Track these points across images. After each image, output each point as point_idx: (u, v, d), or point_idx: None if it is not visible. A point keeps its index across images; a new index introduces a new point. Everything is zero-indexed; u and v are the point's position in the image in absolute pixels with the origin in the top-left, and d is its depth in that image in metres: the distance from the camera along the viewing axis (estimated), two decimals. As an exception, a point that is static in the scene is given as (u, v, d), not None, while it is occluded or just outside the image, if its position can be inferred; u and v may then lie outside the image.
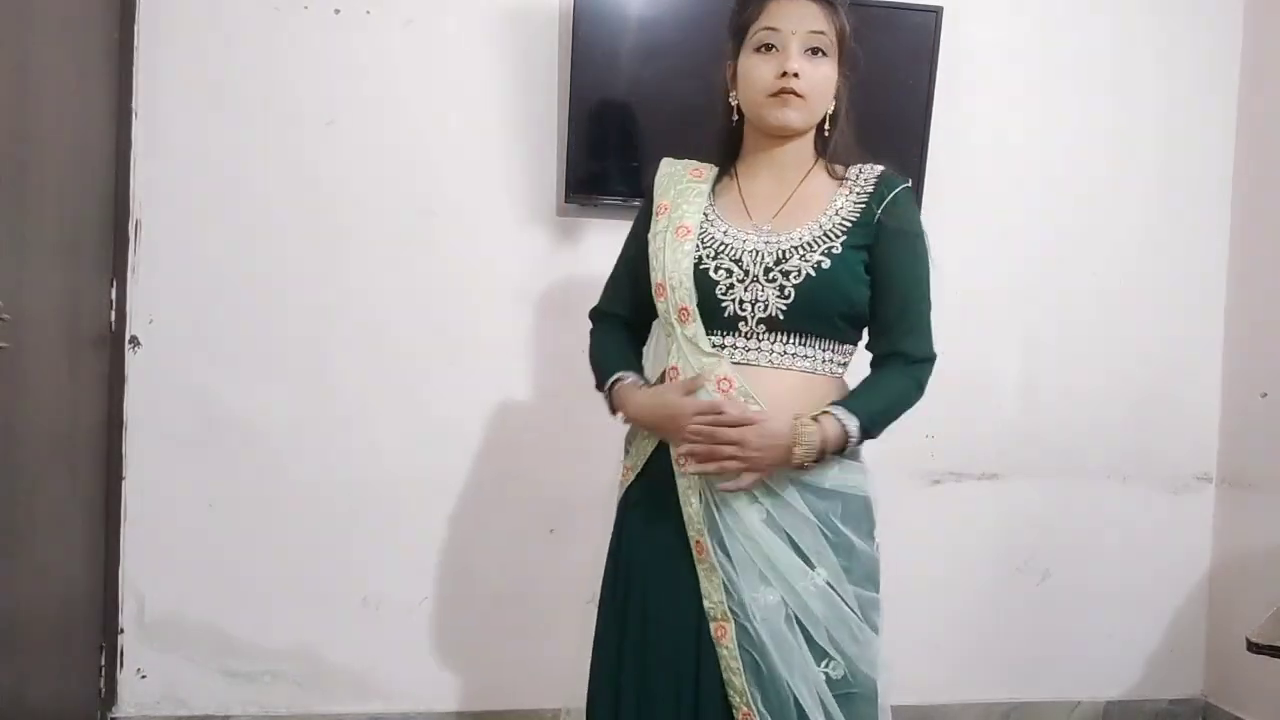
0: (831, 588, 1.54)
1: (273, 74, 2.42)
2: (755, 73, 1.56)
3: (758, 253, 1.57)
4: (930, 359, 1.64)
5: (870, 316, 1.61)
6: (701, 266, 1.58)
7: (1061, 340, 2.77)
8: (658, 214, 1.65)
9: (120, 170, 2.36)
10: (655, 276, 1.61)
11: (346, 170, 2.45)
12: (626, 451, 1.71)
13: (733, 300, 1.56)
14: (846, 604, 1.55)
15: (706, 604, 1.55)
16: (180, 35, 2.38)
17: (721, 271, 1.57)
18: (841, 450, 1.54)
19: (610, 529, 1.72)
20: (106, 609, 2.41)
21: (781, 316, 1.55)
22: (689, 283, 1.57)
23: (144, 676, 2.45)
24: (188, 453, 2.43)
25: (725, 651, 1.54)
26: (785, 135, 1.61)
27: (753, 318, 1.56)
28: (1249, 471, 2.76)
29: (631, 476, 1.67)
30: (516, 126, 2.50)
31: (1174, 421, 2.82)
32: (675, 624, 1.58)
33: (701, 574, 1.56)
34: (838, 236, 1.58)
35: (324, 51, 2.43)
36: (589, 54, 2.39)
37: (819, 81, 1.56)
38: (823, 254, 1.55)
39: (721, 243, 1.60)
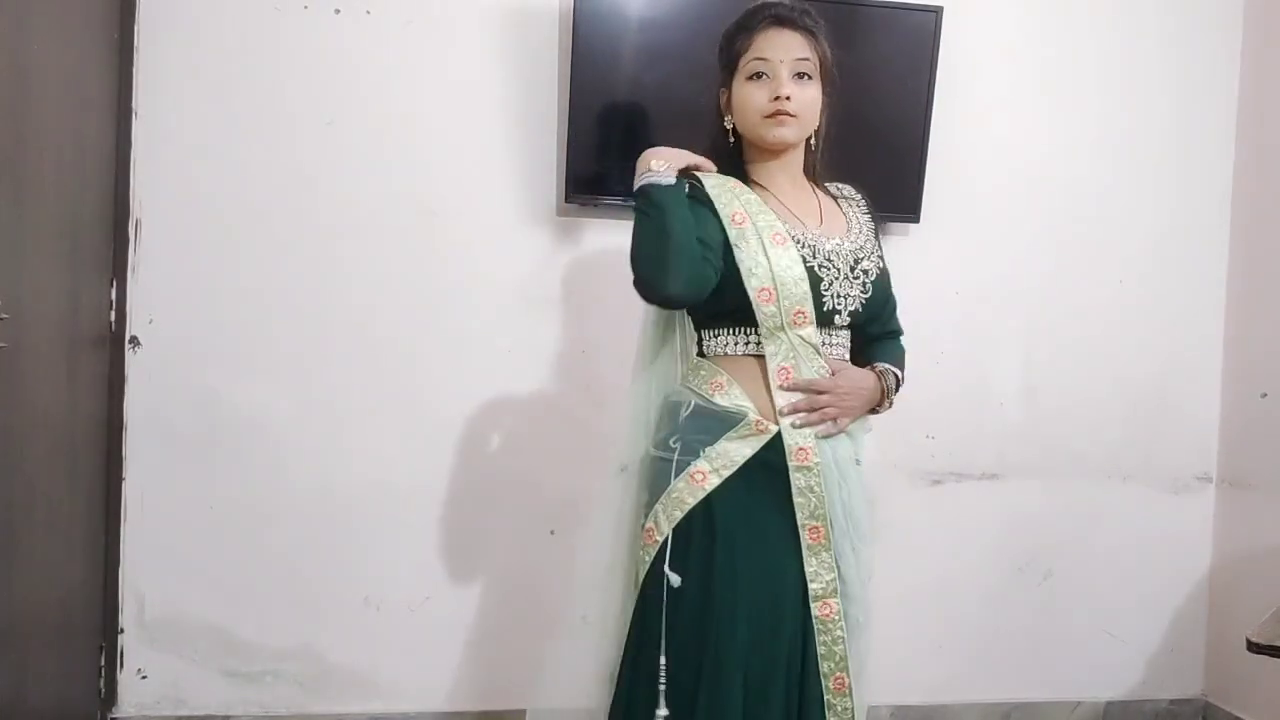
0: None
1: (273, 74, 2.42)
2: (751, 99, 1.71)
3: (839, 252, 1.73)
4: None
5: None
6: (808, 265, 1.69)
7: (1061, 340, 2.77)
8: (736, 222, 1.68)
9: (120, 170, 2.36)
10: (757, 282, 1.66)
11: (346, 170, 2.45)
12: (695, 457, 1.68)
13: (831, 295, 1.71)
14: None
15: (815, 586, 1.67)
16: (180, 35, 2.38)
17: (823, 269, 1.70)
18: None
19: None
20: (106, 609, 2.41)
21: (860, 309, 1.74)
22: (805, 285, 1.67)
23: (144, 676, 2.45)
24: (188, 453, 2.43)
25: (831, 625, 1.67)
26: (782, 150, 1.75)
27: (844, 310, 1.72)
28: (1249, 471, 2.76)
29: (718, 479, 1.67)
30: (516, 126, 2.50)
31: (1174, 421, 2.83)
32: (785, 613, 1.66)
33: (811, 557, 1.67)
34: (875, 241, 1.81)
35: (324, 51, 2.43)
36: (589, 54, 2.39)
37: (808, 102, 1.72)
38: (878, 255, 1.80)
39: (809, 244, 1.71)
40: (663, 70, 2.41)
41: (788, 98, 1.68)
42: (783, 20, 1.71)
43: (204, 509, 2.44)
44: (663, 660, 1.65)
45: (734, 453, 1.67)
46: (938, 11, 2.50)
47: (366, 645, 2.51)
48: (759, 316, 1.67)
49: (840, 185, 1.87)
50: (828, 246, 1.71)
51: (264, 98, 2.42)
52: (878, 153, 2.54)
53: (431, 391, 2.51)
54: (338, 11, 2.43)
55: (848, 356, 1.77)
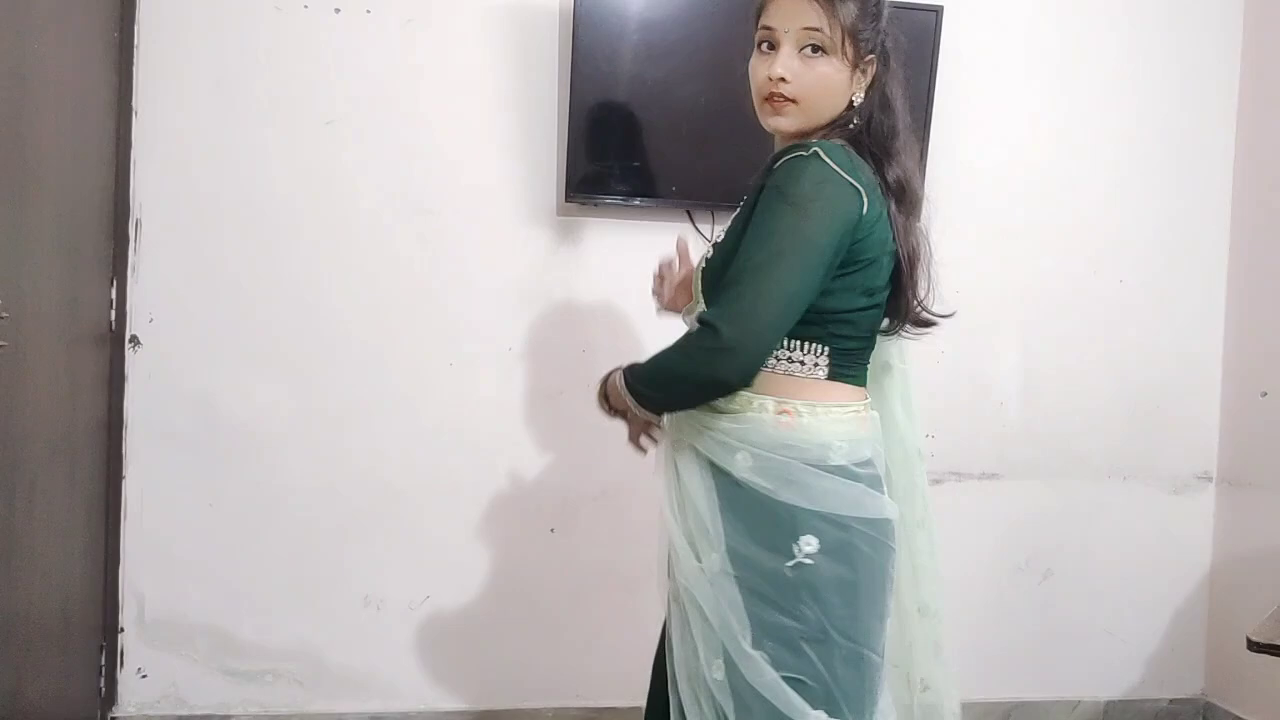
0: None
1: (273, 73, 2.42)
2: (753, 74, 1.51)
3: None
4: (719, 328, 1.40)
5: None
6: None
7: (1061, 340, 2.77)
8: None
9: (120, 169, 2.36)
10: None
11: (346, 169, 2.45)
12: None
13: None
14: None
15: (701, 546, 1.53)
16: (180, 34, 2.38)
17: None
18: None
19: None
20: (106, 608, 2.41)
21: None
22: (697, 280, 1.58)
23: (144, 676, 2.45)
24: (188, 453, 2.43)
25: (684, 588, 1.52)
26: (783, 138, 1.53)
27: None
28: (1249, 471, 2.76)
29: None
30: (516, 126, 2.50)
31: (1174, 421, 2.82)
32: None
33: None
34: (731, 228, 1.54)
35: (324, 51, 2.43)
36: (589, 54, 2.39)
37: (813, 82, 1.45)
38: (712, 246, 1.57)
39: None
40: (663, 70, 2.41)
41: (781, 78, 1.44)
42: None
43: (204, 509, 2.44)
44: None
45: None
46: (938, 11, 2.50)
47: (366, 645, 2.51)
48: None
49: None
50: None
51: (264, 97, 2.42)
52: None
53: (431, 391, 2.51)
54: (338, 11, 2.43)
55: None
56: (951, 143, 2.60)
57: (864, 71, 1.49)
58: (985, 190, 2.70)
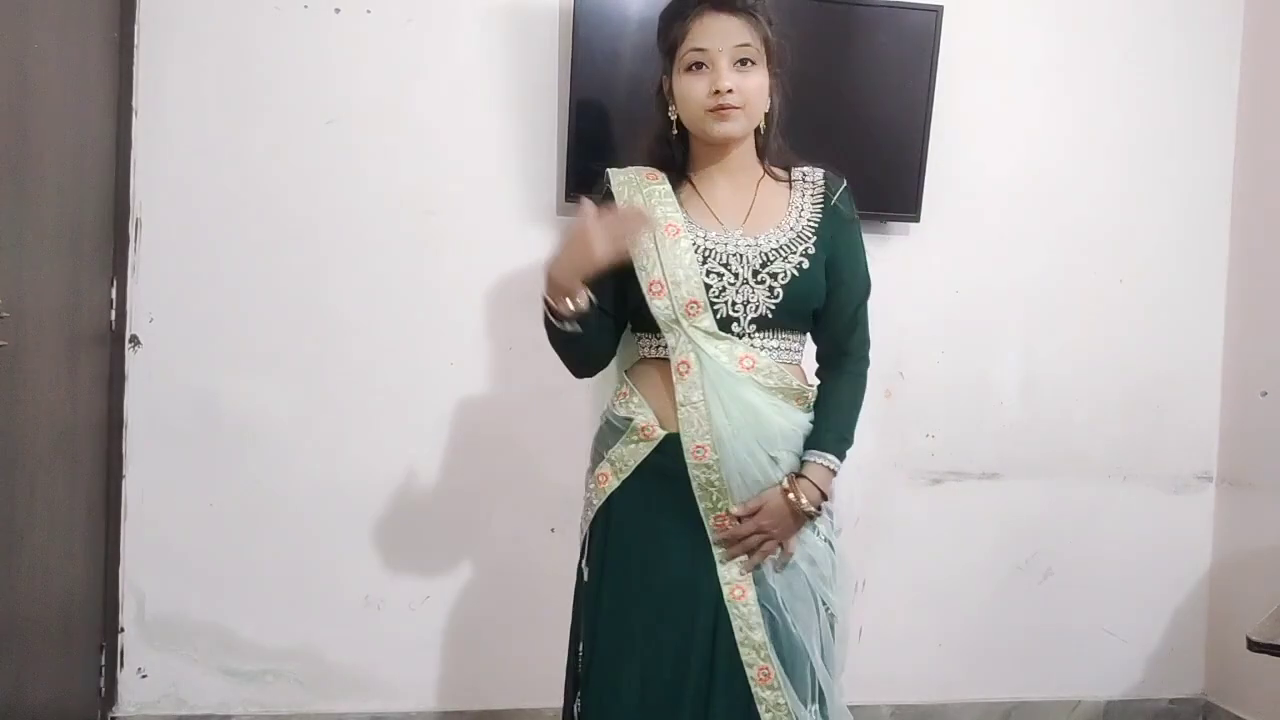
0: (829, 542, 1.71)
1: (273, 73, 2.42)
2: (691, 92, 1.63)
3: (743, 256, 1.66)
4: (869, 357, 1.78)
5: (822, 311, 1.73)
6: (704, 264, 1.65)
7: (1061, 340, 2.77)
8: None
9: (120, 168, 2.36)
10: (649, 275, 1.64)
11: (346, 169, 2.45)
12: (601, 460, 1.73)
13: (725, 303, 1.64)
14: (833, 554, 1.71)
15: (725, 574, 1.64)
16: (180, 33, 2.38)
17: (713, 275, 1.65)
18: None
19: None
20: (107, 608, 2.41)
21: (771, 315, 1.65)
22: (696, 277, 1.63)
23: (144, 676, 2.45)
24: (188, 452, 2.43)
25: (745, 609, 1.63)
26: (727, 143, 1.68)
27: (745, 318, 1.65)
28: (1249, 471, 2.76)
29: (617, 481, 1.70)
30: (516, 126, 2.50)
31: (1174, 421, 2.83)
32: (694, 597, 1.64)
33: (717, 549, 1.65)
34: (809, 238, 1.69)
35: (324, 51, 2.43)
36: (589, 54, 2.39)
37: (752, 91, 1.63)
38: (801, 255, 1.67)
39: (707, 248, 1.66)
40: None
41: (729, 90, 1.60)
42: (719, 4, 1.62)
43: (204, 508, 2.44)
44: (568, 650, 1.76)
45: (628, 457, 1.69)
46: (938, 11, 2.50)
47: (366, 645, 2.51)
48: (653, 311, 1.64)
49: (809, 170, 1.76)
50: (731, 249, 1.65)
51: (264, 96, 2.42)
52: (878, 152, 2.54)
53: (432, 390, 2.51)
54: (338, 10, 2.43)
55: (800, 360, 1.73)
56: (951, 143, 2.60)
57: (775, 75, 1.69)
58: (985, 190, 2.70)
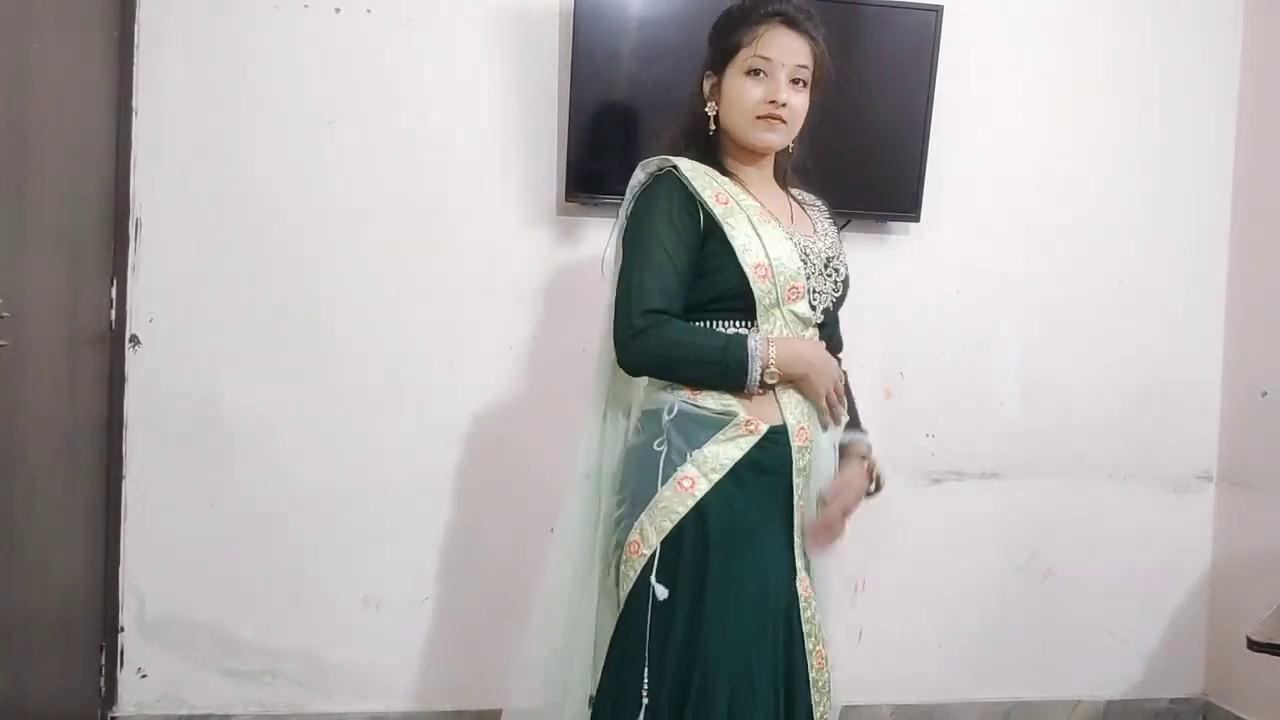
0: None
1: (273, 73, 2.42)
2: (745, 95, 1.67)
3: (816, 249, 1.72)
4: None
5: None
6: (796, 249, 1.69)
7: (1061, 340, 2.77)
8: (720, 202, 1.65)
9: (120, 169, 2.36)
10: (752, 258, 1.63)
11: (346, 169, 2.45)
12: (684, 462, 1.61)
13: (811, 290, 1.70)
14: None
15: (799, 563, 1.68)
16: (180, 34, 2.38)
17: (805, 260, 1.69)
18: None
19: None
20: (107, 608, 2.40)
21: (832, 306, 1.75)
22: (797, 261, 1.66)
23: (144, 676, 2.45)
24: (188, 452, 2.43)
25: (809, 601, 1.68)
26: (765, 152, 1.74)
27: (819, 306, 1.71)
28: (1249, 471, 2.76)
29: (707, 485, 1.60)
30: (516, 126, 2.50)
31: (1174, 420, 2.83)
32: (774, 607, 1.64)
33: (797, 536, 1.68)
34: (840, 244, 1.80)
35: (324, 51, 2.43)
36: (589, 54, 2.39)
37: (799, 109, 1.69)
38: (843, 256, 1.79)
39: (791, 235, 1.70)
40: (662, 69, 2.40)
41: (784, 104, 1.66)
42: (791, 22, 1.66)
43: (204, 508, 2.44)
44: (645, 679, 1.57)
45: (722, 456, 1.61)
46: (938, 11, 2.50)
47: (366, 645, 2.51)
48: (756, 294, 1.62)
49: (802, 192, 1.85)
50: (804, 241, 1.71)
51: (264, 97, 2.42)
52: (878, 153, 2.54)
53: (432, 390, 2.51)
54: (338, 11, 2.43)
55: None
56: (951, 142, 2.60)
57: (813, 101, 1.73)
58: (985, 190, 2.70)
